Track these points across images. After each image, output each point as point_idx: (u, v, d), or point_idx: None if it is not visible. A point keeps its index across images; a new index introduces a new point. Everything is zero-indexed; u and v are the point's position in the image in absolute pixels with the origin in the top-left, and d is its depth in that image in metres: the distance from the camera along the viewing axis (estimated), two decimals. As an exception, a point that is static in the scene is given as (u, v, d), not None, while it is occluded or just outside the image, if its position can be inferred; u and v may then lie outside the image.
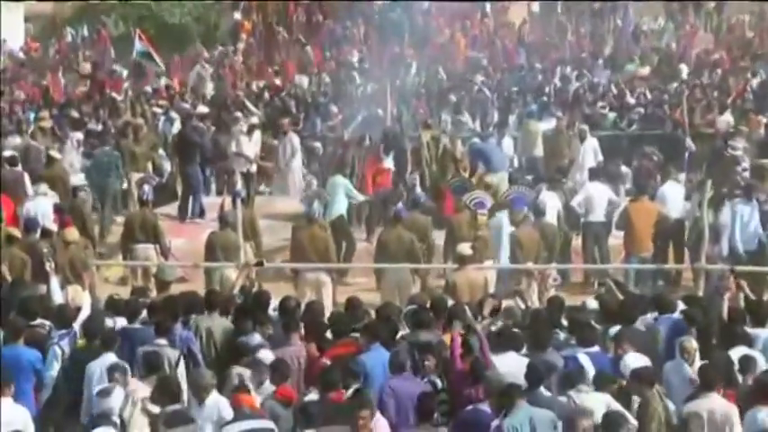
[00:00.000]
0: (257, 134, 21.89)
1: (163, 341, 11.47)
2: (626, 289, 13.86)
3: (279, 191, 21.82)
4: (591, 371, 10.79)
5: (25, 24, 35.21)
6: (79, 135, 21.85)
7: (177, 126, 23.00)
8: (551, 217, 17.18)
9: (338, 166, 20.05)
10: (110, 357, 11.11)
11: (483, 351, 11.05)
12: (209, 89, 28.31)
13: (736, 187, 18.44)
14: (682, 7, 36.16)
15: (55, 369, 11.50)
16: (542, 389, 10.40)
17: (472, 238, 16.13)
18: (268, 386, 10.72)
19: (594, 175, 18.82)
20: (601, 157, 20.84)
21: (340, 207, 18.64)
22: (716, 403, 10.18)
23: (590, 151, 21.04)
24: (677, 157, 21.27)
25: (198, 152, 20.86)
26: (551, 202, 17.45)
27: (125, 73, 28.78)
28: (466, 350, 11.08)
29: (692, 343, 10.91)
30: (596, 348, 11.27)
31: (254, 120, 22.23)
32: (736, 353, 11.13)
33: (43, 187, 18.21)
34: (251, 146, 21.52)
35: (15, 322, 11.73)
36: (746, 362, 10.87)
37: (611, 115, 24.47)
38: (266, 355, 11.00)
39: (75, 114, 23.80)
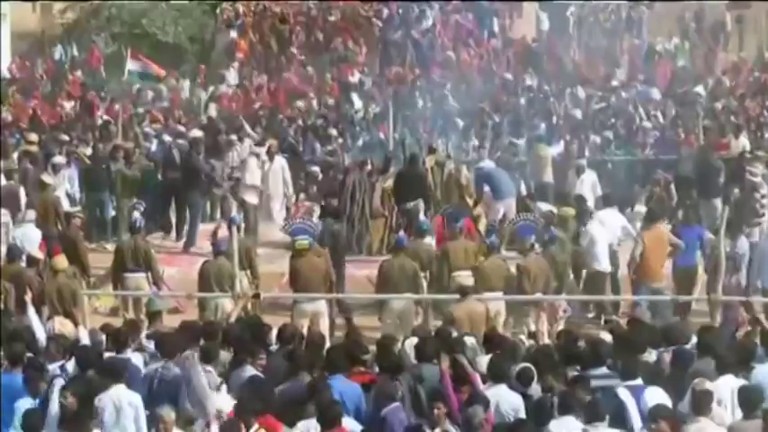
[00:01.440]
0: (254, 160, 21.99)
1: (208, 367, 11.68)
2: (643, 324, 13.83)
3: (262, 217, 21.89)
4: (631, 405, 10.86)
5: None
6: (58, 159, 21.81)
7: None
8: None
9: (338, 192, 20.20)
10: (120, 389, 11.29)
11: (473, 385, 11.18)
12: (212, 111, 28.46)
13: (755, 215, 18.55)
14: (698, 28, 36.39)
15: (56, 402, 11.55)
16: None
17: (468, 266, 16.29)
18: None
19: (606, 202, 18.91)
20: (600, 192, 20.78)
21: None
22: (707, 429, 10.35)
23: (587, 185, 21.00)
24: (712, 182, 21.24)
25: (201, 178, 21.03)
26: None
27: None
28: (458, 383, 11.19)
29: (703, 386, 10.98)
30: (639, 381, 11.29)
31: (264, 148, 22.25)
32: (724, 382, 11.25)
33: (31, 214, 18.31)
34: (257, 174, 21.60)
35: (16, 350, 11.85)
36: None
37: (621, 142, 24.59)
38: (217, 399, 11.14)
39: (64, 137, 23.90)
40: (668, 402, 10.87)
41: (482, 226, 19.60)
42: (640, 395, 11.06)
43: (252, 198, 21.35)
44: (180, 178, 21.39)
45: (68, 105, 29.28)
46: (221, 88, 30.65)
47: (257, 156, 21.79)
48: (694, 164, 22.07)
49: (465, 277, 15.07)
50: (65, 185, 21.18)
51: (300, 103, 28.39)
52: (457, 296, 15.05)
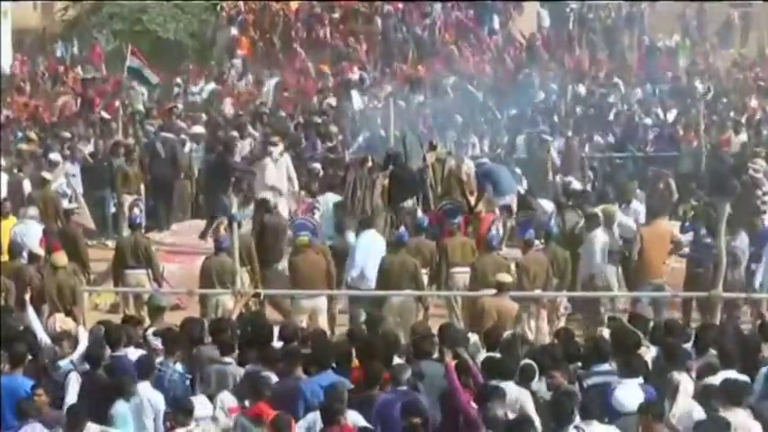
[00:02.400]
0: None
1: (228, 359, 11.77)
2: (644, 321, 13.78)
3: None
4: (627, 402, 10.83)
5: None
6: (54, 156, 21.81)
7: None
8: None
9: (339, 189, 20.20)
10: (144, 387, 11.33)
11: (474, 379, 11.17)
12: (228, 106, 28.50)
13: (756, 212, 18.52)
14: (699, 25, 36.39)
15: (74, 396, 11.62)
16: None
17: (466, 263, 16.32)
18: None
19: (603, 198, 18.90)
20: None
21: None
22: (739, 419, 10.35)
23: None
24: (724, 179, 21.16)
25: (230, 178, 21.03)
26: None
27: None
28: (463, 377, 11.18)
29: (673, 377, 10.98)
30: (640, 379, 11.27)
31: (279, 147, 22.24)
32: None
33: (32, 210, 18.29)
34: (274, 174, 21.55)
35: (17, 351, 11.86)
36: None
37: (619, 139, 24.59)
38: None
39: (65, 134, 23.90)
40: (641, 397, 10.83)
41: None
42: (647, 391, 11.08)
43: (273, 197, 21.19)
44: (169, 173, 21.82)
45: (69, 102, 29.31)
46: (240, 85, 30.70)
47: (270, 155, 21.73)
48: (702, 161, 22.05)
49: (505, 275, 14.99)
50: (60, 182, 21.14)
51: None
52: (451, 293, 15.07)
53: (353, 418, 10.72)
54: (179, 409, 10.79)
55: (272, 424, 10.47)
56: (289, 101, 29.53)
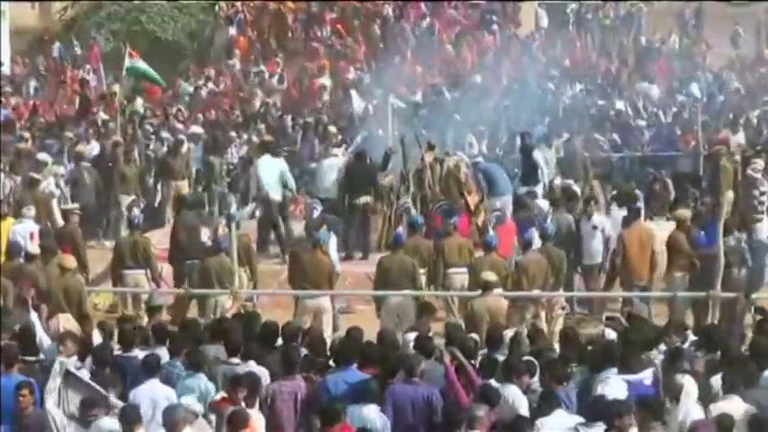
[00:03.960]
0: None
1: (236, 360, 11.83)
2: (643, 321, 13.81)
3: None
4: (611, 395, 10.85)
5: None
6: (43, 156, 21.83)
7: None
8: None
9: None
10: (155, 384, 11.44)
11: (471, 381, 11.20)
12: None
13: (754, 212, 18.58)
14: (697, 24, 36.42)
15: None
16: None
17: (462, 263, 16.37)
18: None
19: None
20: None
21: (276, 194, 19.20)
22: (740, 408, 10.51)
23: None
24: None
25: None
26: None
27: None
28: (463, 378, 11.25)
29: (677, 379, 11.05)
30: (639, 376, 11.32)
31: (341, 149, 22.19)
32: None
33: (31, 210, 18.30)
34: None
35: (10, 351, 11.89)
36: None
37: (615, 138, 24.63)
38: None
39: (68, 134, 23.91)
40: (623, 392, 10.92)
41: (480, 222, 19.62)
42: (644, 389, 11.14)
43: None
44: None
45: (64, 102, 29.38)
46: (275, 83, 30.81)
47: (336, 156, 21.72)
48: (700, 161, 22.10)
49: (489, 273, 15.03)
50: (47, 182, 21.10)
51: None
52: (448, 293, 15.05)
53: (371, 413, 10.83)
54: (122, 420, 10.62)
55: (229, 419, 10.52)
56: (287, 101, 29.55)
